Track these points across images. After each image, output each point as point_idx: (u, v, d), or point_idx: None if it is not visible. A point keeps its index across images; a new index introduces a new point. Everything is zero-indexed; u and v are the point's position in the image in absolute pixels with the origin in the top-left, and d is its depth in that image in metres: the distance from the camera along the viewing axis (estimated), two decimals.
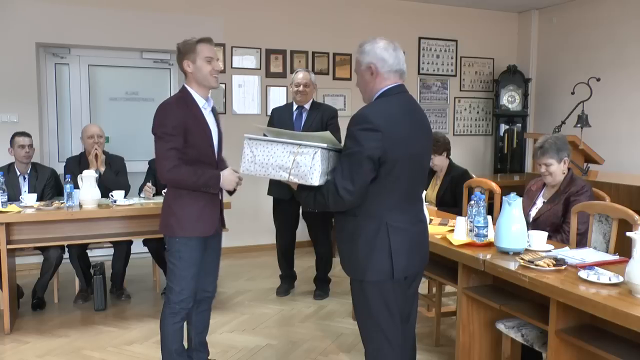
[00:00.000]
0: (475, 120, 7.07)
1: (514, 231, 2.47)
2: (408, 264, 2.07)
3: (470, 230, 2.73)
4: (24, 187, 4.26)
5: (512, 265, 2.35)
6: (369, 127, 1.92)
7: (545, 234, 2.63)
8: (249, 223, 5.79)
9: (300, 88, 4.20)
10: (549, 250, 2.53)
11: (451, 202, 3.97)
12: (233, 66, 5.77)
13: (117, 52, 5.51)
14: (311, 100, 4.30)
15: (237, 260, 5.54)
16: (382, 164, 1.95)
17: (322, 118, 4.20)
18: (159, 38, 5.42)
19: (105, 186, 4.11)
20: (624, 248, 2.41)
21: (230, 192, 2.82)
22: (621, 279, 2.04)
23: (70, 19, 5.14)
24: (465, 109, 6.99)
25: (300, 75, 4.23)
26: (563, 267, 2.26)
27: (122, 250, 4.25)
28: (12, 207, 3.66)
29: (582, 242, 2.87)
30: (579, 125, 5.26)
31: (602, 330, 2.15)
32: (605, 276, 2.10)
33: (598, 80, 5.31)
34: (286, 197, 4.09)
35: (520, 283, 2.27)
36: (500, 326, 2.64)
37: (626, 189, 4.20)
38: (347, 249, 2.08)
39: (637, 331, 1.82)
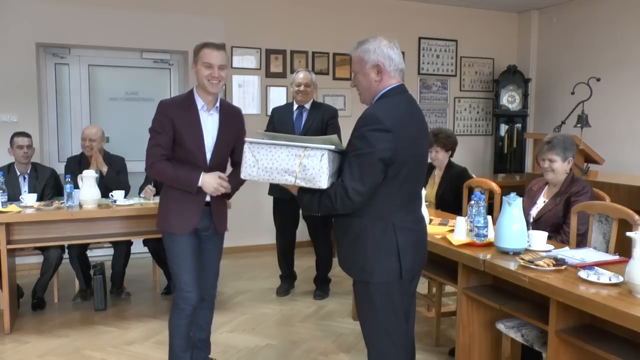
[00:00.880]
0: (475, 120, 7.07)
1: (514, 231, 2.47)
2: (414, 263, 2.07)
3: (470, 230, 2.73)
4: (24, 187, 4.26)
5: (512, 265, 2.35)
6: (381, 128, 1.90)
7: (545, 234, 2.63)
8: (249, 223, 5.79)
9: (301, 88, 4.20)
10: (549, 250, 2.53)
11: (452, 200, 3.96)
12: (233, 66, 5.77)
13: (117, 52, 5.51)
14: (311, 100, 4.31)
15: (237, 260, 5.54)
16: (390, 165, 1.93)
17: (322, 118, 4.21)
18: (159, 38, 5.41)
19: (107, 186, 4.11)
20: (624, 248, 2.41)
21: (226, 196, 2.83)
22: (621, 279, 2.04)
23: (70, 19, 5.14)
24: (465, 109, 6.99)
25: (300, 75, 4.23)
26: (563, 267, 2.26)
27: (122, 250, 4.25)
28: (12, 207, 3.66)
29: (582, 242, 2.87)
30: (579, 125, 5.26)
31: (602, 330, 2.15)
32: (605, 276, 2.10)
33: (598, 80, 5.31)
34: (286, 197, 4.08)
35: (520, 283, 2.27)
36: (500, 326, 2.64)
37: (626, 189, 4.20)
38: (352, 251, 2.06)
39: (637, 331, 1.82)
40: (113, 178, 4.26)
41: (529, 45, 6.98)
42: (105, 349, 3.42)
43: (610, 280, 2.07)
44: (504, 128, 6.86)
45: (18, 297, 4.04)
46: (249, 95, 5.88)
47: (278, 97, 5.92)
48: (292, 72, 5.56)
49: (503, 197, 2.54)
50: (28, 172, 4.30)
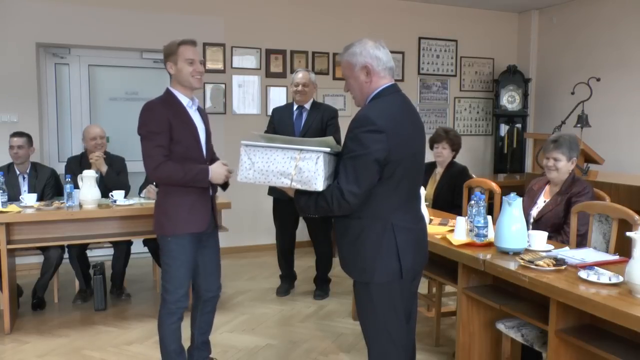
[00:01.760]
0: (475, 120, 7.07)
1: (514, 231, 2.47)
2: (414, 263, 2.07)
3: (470, 230, 2.73)
4: (24, 187, 4.26)
5: (512, 265, 2.35)
6: (373, 129, 1.90)
7: (545, 233, 2.63)
8: (249, 223, 5.79)
9: (300, 88, 4.20)
10: (549, 250, 2.53)
11: (449, 198, 3.97)
12: (233, 66, 5.77)
13: (117, 52, 5.51)
14: (311, 100, 4.31)
15: (237, 260, 5.54)
16: (385, 165, 1.93)
17: (322, 118, 4.21)
18: (159, 38, 5.35)
19: (107, 186, 4.11)
20: (624, 248, 2.41)
21: (224, 187, 2.82)
22: (621, 279, 2.04)
23: (70, 19, 5.14)
24: (465, 109, 6.99)
25: (300, 75, 4.23)
26: (563, 267, 2.26)
27: (122, 250, 4.25)
28: (12, 207, 3.66)
29: (582, 243, 2.87)
30: (579, 125, 5.26)
31: (602, 330, 2.15)
32: (605, 276, 2.10)
33: (598, 80, 5.31)
34: (286, 198, 4.06)
35: (520, 283, 2.27)
36: (500, 326, 2.64)
37: (626, 189, 4.20)
38: (352, 252, 2.06)
39: (637, 331, 1.82)
40: (113, 178, 4.26)
41: (529, 45, 6.98)
42: (105, 349, 3.42)
43: (610, 280, 2.07)
44: (504, 128, 6.86)
45: (18, 296, 4.03)
46: (249, 95, 5.88)
47: (278, 97, 5.92)
48: (292, 72, 5.56)
49: (503, 197, 2.54)
50: (28, 171, 4.30)
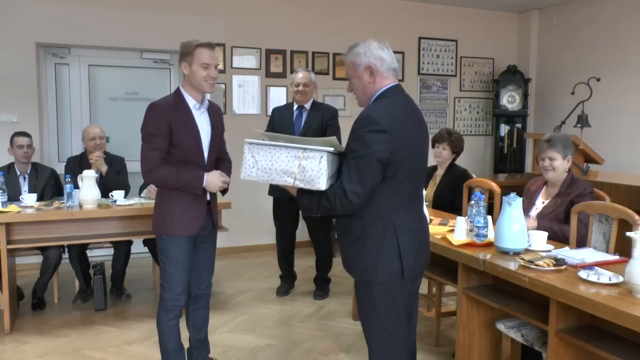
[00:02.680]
0: (475, 120, 7.07)
1: (514, 231, 2.47)
2: (415, 263, 2.07)
3: (470, 230, 2.73)
4: (24, 187, 4.26)
5: (512, 265, 2.35)
6: (377, 129, 1.90)
7: (545, 234, 2.63)
8: (249, 223, 5.79)
9: (300, 88, 4.20)
10: (549, 250, 2.53)
11: (448, 200, 3.97)
12: (233, 66, 5.77)
13: (117, 52, 5.51)
14: (311, 100, 4.31)
15: (237, 260, 5.54)
16: (388, 165, 1.94)
17: (322, 118, 4.21)
18: (159, 38, 5.42)
19: (107, 186, 4.11)
20: (624, 248, 2.41)
21: (222, 192, 2.83)
22: (621, 279, 2.04)
23: (70, 19, 5.14)
24: (465, 109, 7.00)
25: (300, 75, 4.23)
26: (563, 267, 2.26)
27: (122, 250, 4.25)
28: (12, 207, 3.66)
29: (581, 244, 2.87)
30: (579, 125, 5.26)
31: (602, 330, 2.15)
32: (605, 276, 2.10)
33: (598, 80, 5.31)
34: (286, 198, 4.08)
35: (520, 283, 2.27)
36: (500, 326, 2.64)
37: (626, 189, 4.20)
38: (354, 251, 2.06)
39: (637, 331, 1.82)
40: (113, 178, 4.27)
41: (529, 45, 6.98)
42: (105, 349, 3.42)
43: (610, 280, 2.07)
44: (504, 128, 6.86)
45: (18, 299, 4.04)
46: (249, 95, 5.88)
47: (278, 97, 5.92)
48: (292, 72, 5.55)
49: (503, 197, 2.54)
50: (28, 172, 4.30)
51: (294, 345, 3.50)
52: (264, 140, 2.09)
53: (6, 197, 3.73)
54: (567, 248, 2.61)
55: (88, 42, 5.26)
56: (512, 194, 2.51)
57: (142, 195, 4.20)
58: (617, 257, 2.44)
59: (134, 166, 4.71)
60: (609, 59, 6.00)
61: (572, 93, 5.41)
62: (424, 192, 3.01)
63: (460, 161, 4.22)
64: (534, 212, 3.18)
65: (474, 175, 4.17)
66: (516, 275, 2.27)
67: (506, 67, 6.82)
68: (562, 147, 3.07)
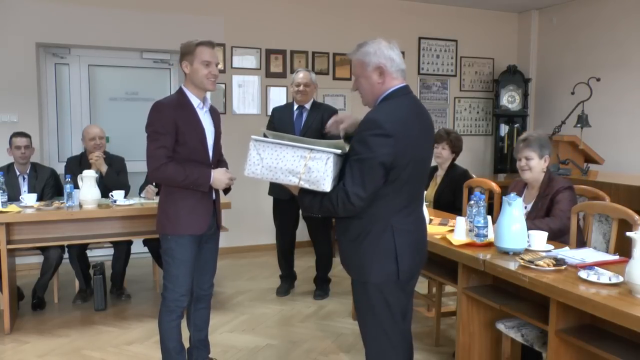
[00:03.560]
0: (475, 120, 7.07)
1: (514, 231, 2.47)
2: (412, 264, 2.07)
3: (470, 230, 2.73)
4: (24, 187, 4.26)
5: (512, 265, 2.35)
6: (381, 133, 1.89)
7: (545, 234, 2.63)
8: (249, 223, 5.79)
9: (301, 88, 4.20)
10: (549, 250, 2.53)
11: (449, 200, 3.97)
12: (233, 66, 5.77)
13: (117, 52, 5.51)
14: (312, 100, 4.31)
15: (237, 260, 5.54)
16: (392, 169, 1.93)
17: (322, 118, 4.19)
18: (159, 38, 5.42)
19: (107, 186, 4.11)
20: (624, 248, 2.41)
21: (225, 191, 2.83)
22: (621, 279, 2.04)
23: (70, 19, 5.14)
24: (465, 109, 6.99)
25: (300, 75, 4.23)
26: (563, 267, 2.26)
27: (122, 250, 4.25)
28: (12, 207, 3.66)
29: (565, 227, 2.87)
30: (579, 125, 5.26)
31: (602, 330, 2.15)
32: (605, 276, 2.10)
33: (598, 80, 5.31)
34: (286, 197, 4.09)
35: (520, 283, 2.27)
36: (500, 326, 2.64)
37: (626, 189, 4.20)
38: (351, 251, 2.06)
39: (637, 331, 1.82)
40: (113, 178, 4.27)
41: (529, 45, 6.98)
42: (105, 349, 3.42)
43: (610, 280, 2.07)
44: (504, 128, 6.86)
45: (18, 299, 4.04)
46: (249, 95, 5.88)
47: (278, 97, 5.92)
48: (292, 72, 5.56)
49: (503, 197, 2.53)
50: (27, 172, 4.30)
51: (294, 345, 3.50)
52: (266, 137, 2.08)
53: (6, 197, 3.73)
54: (567, 248, 2.61)
55: (88, 42, 5.26)
56: (512, 194, 2.51)
57: (141, 195, 4.20)
58: (617, 257, 2.44)
59: (134, 166, 4.73)
60: (609, 59, 6.00)
61: (572, 93, 5.41)
62: (425, 192, 3.01)
63: (460, 161, 4.23)
64: None
65: (474, 176, 4.17)
66: (516, 275, 2.27)
67: (506, 67, 6.82)
68: (539, 146, 3.05)
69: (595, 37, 6.18)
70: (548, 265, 2.25)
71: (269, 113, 4.72)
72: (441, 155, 4.05)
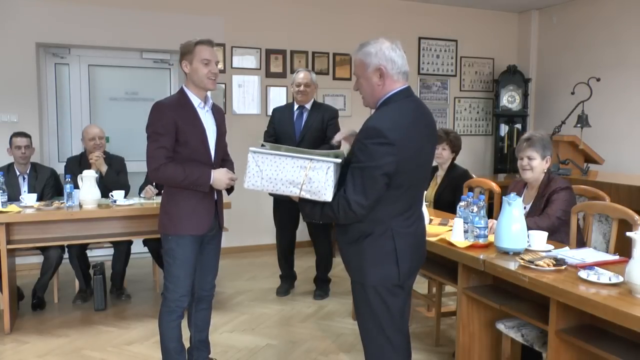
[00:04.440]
0: (475, 120, 7.07)
1: (514, 231, 2.47)
2: (411, 266, 2.07)
3: (466, 232, 2.72)
4: (24, 187, 4.26)
5: (512, 265, 2.35)
6: (383, 142, 1.87)
7: (545, 234, 2.63)
8: (249, 223, 5.79)
9: (301, 88, 4.20)
10: (549, 250, 2.53)
11: (450, 200, 3.97)
12: (233, 66, 5.77)
13: (117, 52, 5.51)
14: (312, 100, 4.31)
15: (237, 260, 5.54)
16: (393, 176, 1.92)
17: (322, 118, 4.21)
18: (159, 38, 5.42)
19: (107, 186, 4.11)
20: (624, 248, 2.41)
21: (228, 191, 2.83)
22: (621, 279, 2.04)
23: (70, 19, 5.14)
24: (465, 109, 6.99)
25: (301, 75, 4.23)
26: (563, 267, 2.26)
27: (122, 250, 4.25)
28: (12, 207, 3.66)
29: (563, 225, 2.87)
30: (579, 125, 5.26)
31: (602, 330, 2.15)
32: (605, 276, 2.10)
33: (598, 80, 5.31)
34: (286, 198, 4.07)
35: (520, 283, 2.27)
36: (500, 326, 2.64)
37: (626, 189, 4.20)
38: (350, 252, 2.06)
39: (637, 331, 1.82)
40: (113, 178, 4.26)
41: (529, 45, 6.98)
42: (105, 349, 3.42)
43: (610, 280, 2.07)
44: (504, 128, 6.86)
45: (18, 299, 4.04)
46: (249, 95, 5.88)
47: (278, 97, 5.92)
48: (292, 72, 5.56)
49: (503, 197, 2.54)
50: (27, 172, 4.30)
51: (294, 346, 3.50)
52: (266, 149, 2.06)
53: (6, 197, 3.73)
54: (567, 248, 2.61)
55: (88, 42, 5.26)
56: (512, 194, 2.51)
57: (141, 195, 4.20)
58: (617, 257, 2.44)
59: (134, 166, 4.73)
60: (608, 59, 6.00)
61: (572, 93, 5.41)
62: (425, 192, 3.01)
63: (461, 161, 4.23)
64: None
65: (474, 176, 4.17)
66: (516, 275, 2.27)
67: (506, 67, 6.82)
68: (541, 147, 3.05)
69: (595, 37, 6.18)
70: (548, 265, 2.25)
71: (269, 113, 4.71)
72: (441, 156, 4.05)
